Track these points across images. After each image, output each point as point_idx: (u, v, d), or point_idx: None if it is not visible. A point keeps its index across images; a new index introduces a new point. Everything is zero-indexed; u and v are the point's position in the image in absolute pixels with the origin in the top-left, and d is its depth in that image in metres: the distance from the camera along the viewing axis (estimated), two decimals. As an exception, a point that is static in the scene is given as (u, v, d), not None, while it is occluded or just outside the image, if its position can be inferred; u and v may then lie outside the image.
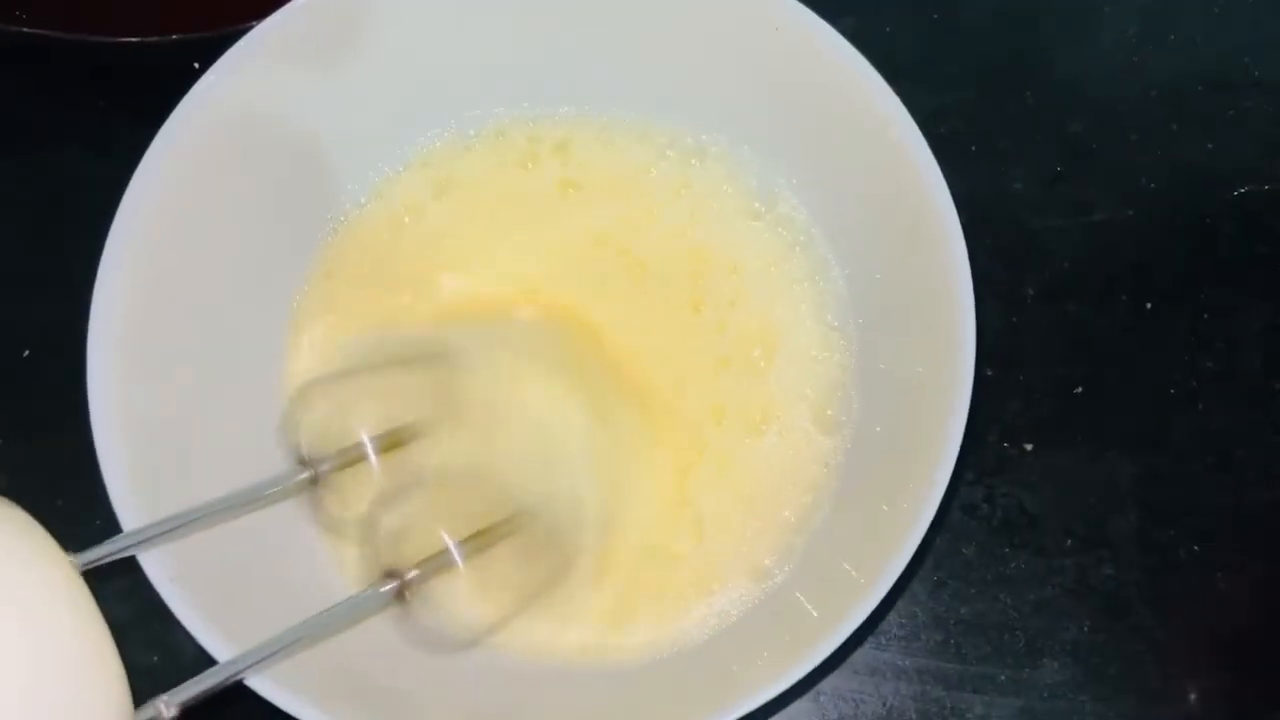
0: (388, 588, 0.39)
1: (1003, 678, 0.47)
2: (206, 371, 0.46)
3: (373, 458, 0.42)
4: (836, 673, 0.47)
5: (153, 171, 0.44)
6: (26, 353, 0.52)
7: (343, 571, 0.46)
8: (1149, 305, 0.52)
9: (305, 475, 0.41)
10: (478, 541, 0.41)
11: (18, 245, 0.54)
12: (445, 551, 0.41)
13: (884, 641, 0.48)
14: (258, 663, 0.36)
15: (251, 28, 0.47)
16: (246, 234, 0.47)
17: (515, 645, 0.45)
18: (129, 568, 0.38)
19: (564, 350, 0.49)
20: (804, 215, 0.50)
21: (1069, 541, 0.49)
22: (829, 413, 0.47)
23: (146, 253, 0.44)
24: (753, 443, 0.47)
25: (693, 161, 0.51)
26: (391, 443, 0.43)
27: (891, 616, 0.48)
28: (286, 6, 0.46)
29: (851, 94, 0.46)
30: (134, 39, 0.51)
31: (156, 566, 0.40)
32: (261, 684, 0.39)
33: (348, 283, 0.50)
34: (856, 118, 0.46)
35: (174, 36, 0.51)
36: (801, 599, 0.44)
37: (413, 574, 0.40)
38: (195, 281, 0.46)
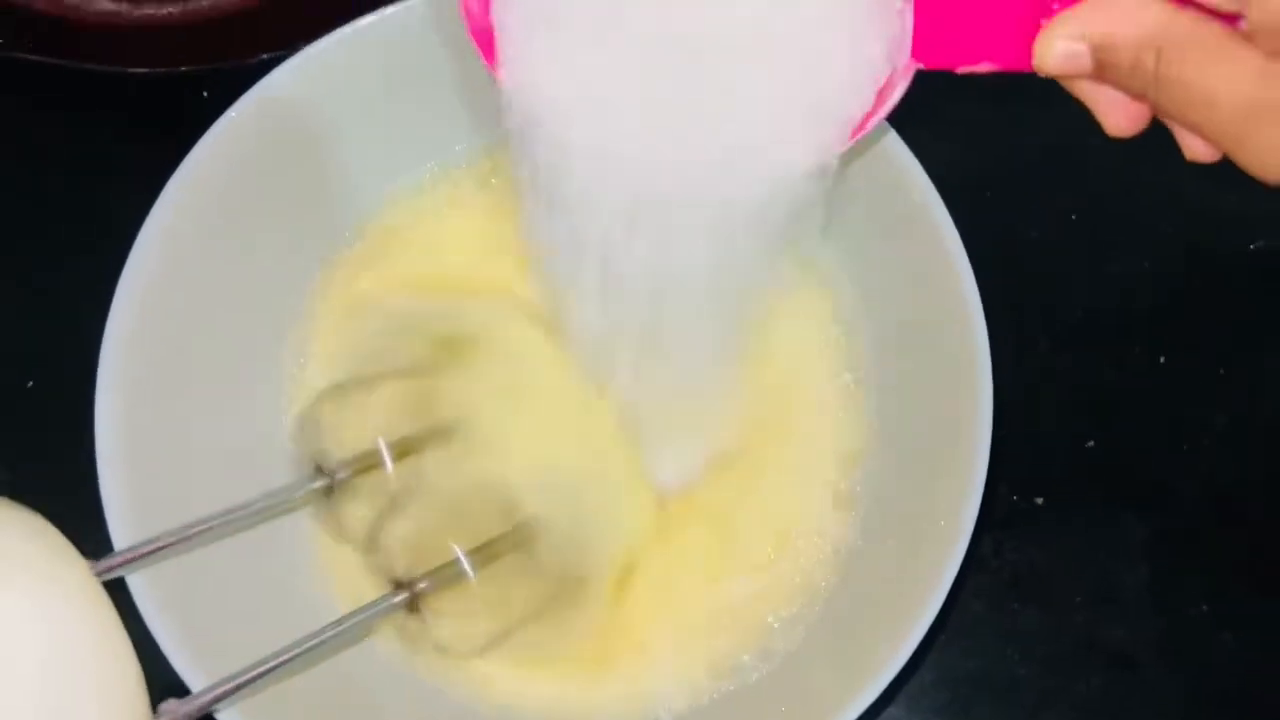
0: (400, 598, 0.40)
1: (1010, 734, 0.47)
2: (212, 402, 0.46)
3: (388, 464, 0.43)
4: (841, 728, 0.47)
5: (171, 202, 0.44)
6: (31, 383, 0.52)
7: (334, 597, 0.46)
8: (1162, 358, 0.51)
9: (322, 483, 0.41)
10: (486, 552, 0.42)
11: (24, 271, 0.53)
12: (455, 562, 0.41)
13: (890, 695, 0.47)
14: (273, 668, 0.35)
15: (259, 60, 0.47)
16: (253, 262, 0.47)
17: (492, 691, 0.45)
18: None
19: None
20: (830, 259, 0.49)
21: (1078, 597, 0.48)
22: (843, 486, 0.46)
23: (159, 280, 0.44)
24: (765, 543, 0.46)
25: None
26: (403, 450, 0.43)
27: (898, 670, 0.47)
28: (317, 43, 0.46)
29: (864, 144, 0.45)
30: (143, 70, 0.51)
31: (143, 593, 0.40)
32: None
33: (351, 304, 0.49)
34: (871, 166, 0.45)
35: (183, 69, 0.51)
36: (778, 704, 0.43)
37: (423, 584, 0.40)
38: (203, 311, 0.46)
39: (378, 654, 0.45)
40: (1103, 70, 0.33)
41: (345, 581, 0.46)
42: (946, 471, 0.42)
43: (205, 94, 0.52)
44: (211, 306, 0.46)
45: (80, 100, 0.55)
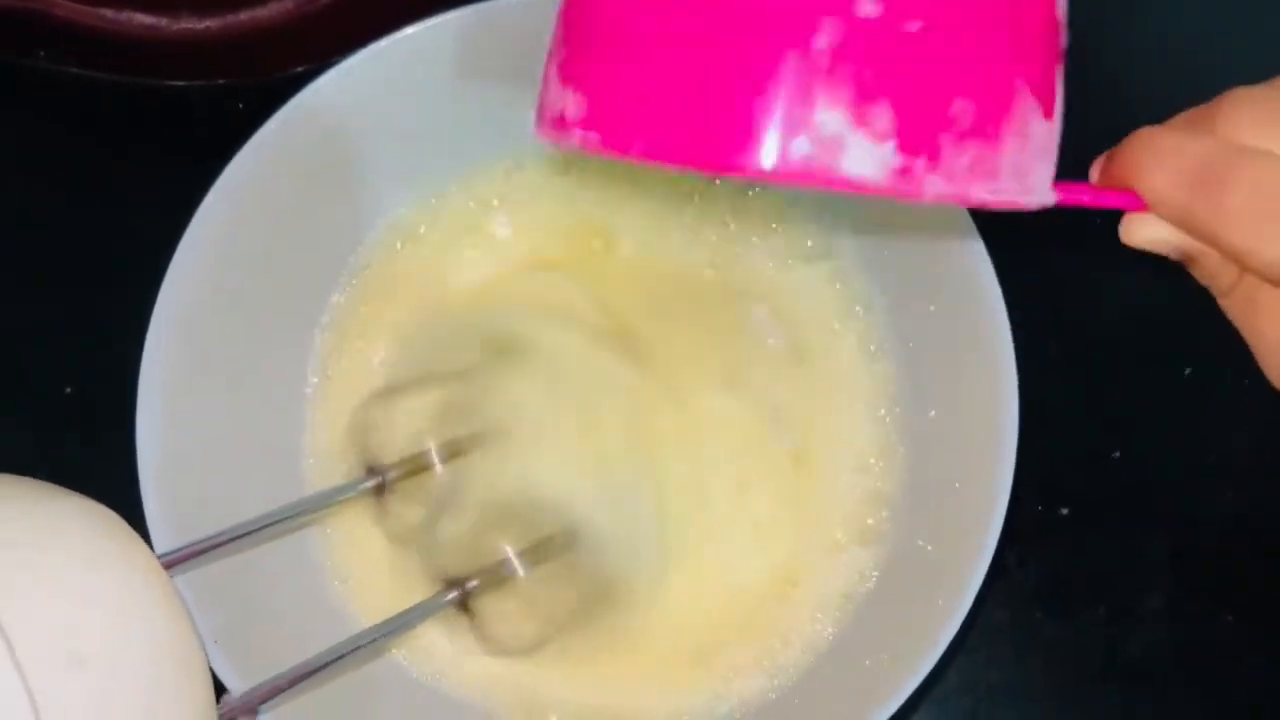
0: (451, 596, 0.40)
1: (1031, 745, 0.47)
2: (246, 406, 0.47)
3: (437, 466, 0.44)
4: (863, 734, 0.47)
5: (210, 215, 0.45)
6: (69, 389, 0.53)
7: (359, 607, 0.47)
8: (1188, 371, 0.52)
9: (373, 482, 0.42)
10: (532, 554, 0.42)
11: (64, 279, 0.54)
12: (505, 561, 0.42)
13: (912, 701, 0.48)
14: (335, 661, 0.36)
15: (295, 73, 0.48)
16: (287, 270, 0.48)
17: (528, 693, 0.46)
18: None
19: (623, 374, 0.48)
20: (851, 263, 0.49)
21: (1101, 609, 0.49)
22: (870, 522, 0.47)
23: (197, 291, 0.45)
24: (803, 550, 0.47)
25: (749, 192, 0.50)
26: (450, 453, 0.44)
27: (920, 679, 0.48)
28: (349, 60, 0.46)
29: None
30: (181, 82, 0.52)
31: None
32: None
33: (375, 312, 0.50)
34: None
35: (220, 81, 0.51)
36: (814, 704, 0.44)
37: (473, 583, 0.41)
38: (239, 317, 0.47)
39: (404, 664, 0.46)
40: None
41: (364, 582, 0.47)
42: (970, 490, 0.43)
43: (241, 105, 0.53)
44: (247, 313, 0.47)
45: (118, 112, 0.55)
